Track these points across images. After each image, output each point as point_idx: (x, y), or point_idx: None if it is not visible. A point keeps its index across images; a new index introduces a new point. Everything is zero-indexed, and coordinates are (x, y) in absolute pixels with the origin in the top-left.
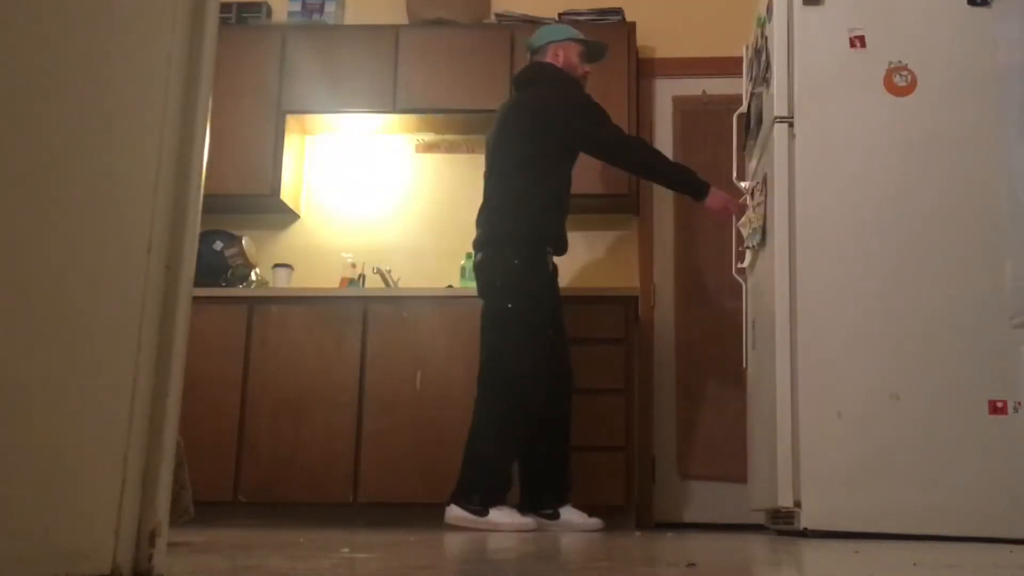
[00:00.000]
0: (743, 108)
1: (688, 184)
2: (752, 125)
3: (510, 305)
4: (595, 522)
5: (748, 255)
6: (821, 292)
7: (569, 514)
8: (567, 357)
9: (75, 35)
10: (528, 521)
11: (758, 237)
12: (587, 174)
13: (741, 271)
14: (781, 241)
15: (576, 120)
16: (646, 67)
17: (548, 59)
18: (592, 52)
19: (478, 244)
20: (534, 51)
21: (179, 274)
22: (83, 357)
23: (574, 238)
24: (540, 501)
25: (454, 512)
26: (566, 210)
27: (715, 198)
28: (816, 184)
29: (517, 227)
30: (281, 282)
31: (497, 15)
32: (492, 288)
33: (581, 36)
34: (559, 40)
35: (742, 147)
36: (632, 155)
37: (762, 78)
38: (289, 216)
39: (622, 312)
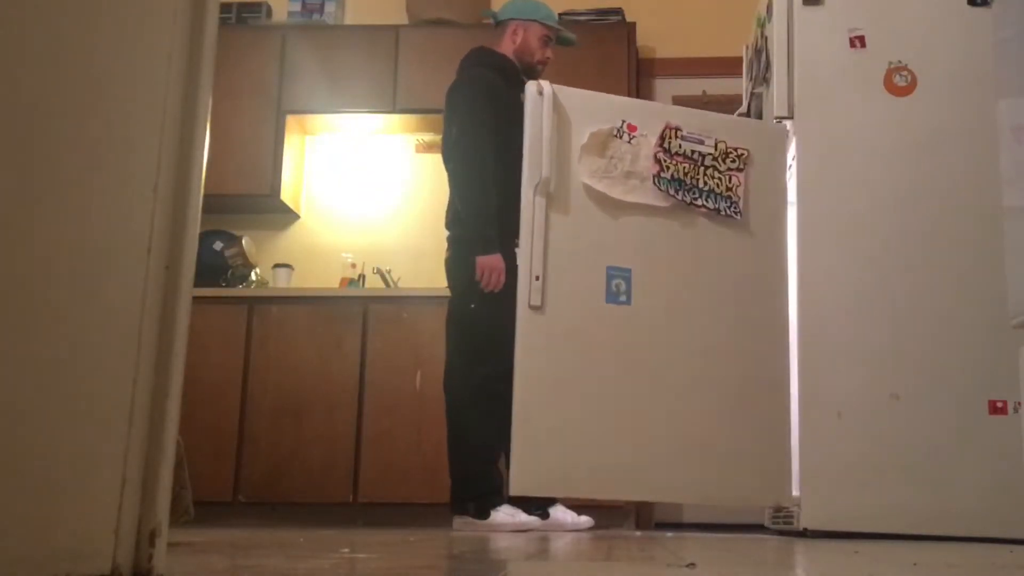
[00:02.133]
0: (743, 108)
1: (479, 239)
2: None
3: (473, 305)
4: (585, 520)
5: (649, 194)
6: (821, 292)
7: (558, 513)
8: None
9: (74, 35)
10: (530, 520)
11: (725, 204)
12: None
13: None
14: (780, 240)
15: (452, 125)
16: (646, 67)
17: (506, 37)
18: (559, 38)
19: (448, 243)
20: (496, 24)
21: (179, 274)
22: (83, 357)
23: None
24: (528, 502)
25: (457, 522)
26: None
27: (489, 260)
28: (816, 184)
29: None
30: (281, 282)
31: None
32: (454, 287)
33: (549, 19)
34: (522, 18)
35: None
36: (459, 187)
37: (762, 78)
38: (289, 216)
39: None
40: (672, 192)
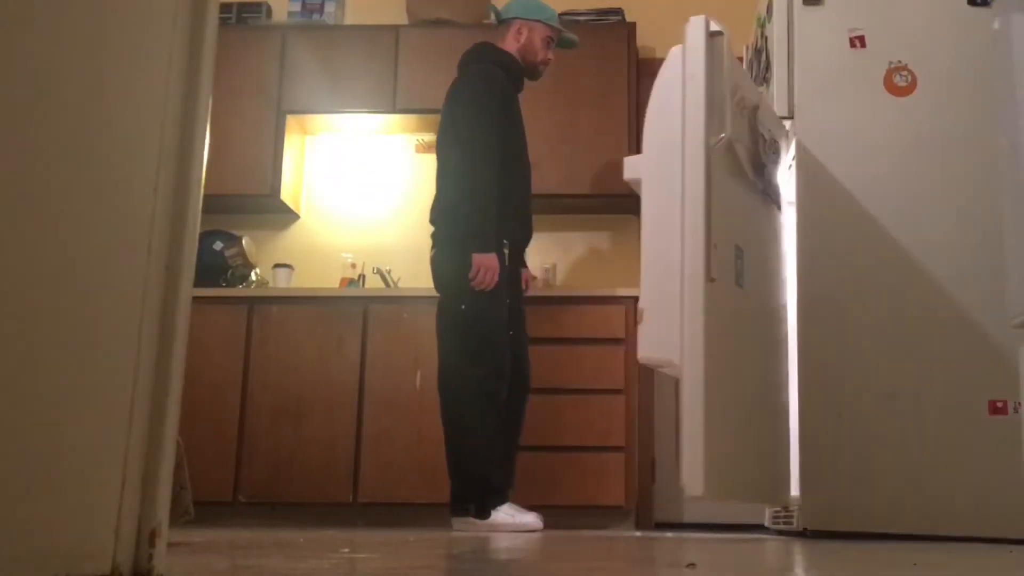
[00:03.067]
0: None
1: (477, 236)
2: None
3: (464, 306)
4: (532, 519)
5: (750, 171)
6: (821, 291)
7: (499, 515)
8: (525, 356)
9: (75, 35)
10: (530, 520)
11: (776, 194)
12: (586, 173)
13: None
14: (778, 239)
15: (458, 118)
16: (646, 67)
17: (510, 35)
18: (560, 40)
19: (433, 240)
20: (500, 21)
21: (179, 274)
22: (83, 357)
23: (574, 239)
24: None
25: (457, 523)
26: (516, 202)
27: (486, 258)
28: (816, 184)
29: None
30: (281, 282)
31: None
32: (445, 287)
33: (553, 20)
34: (527, 18)
35: None
36: (461, 180)
37: (762, 78)
38: (289, 216)
39: (622, 312)
40: (759, 173)
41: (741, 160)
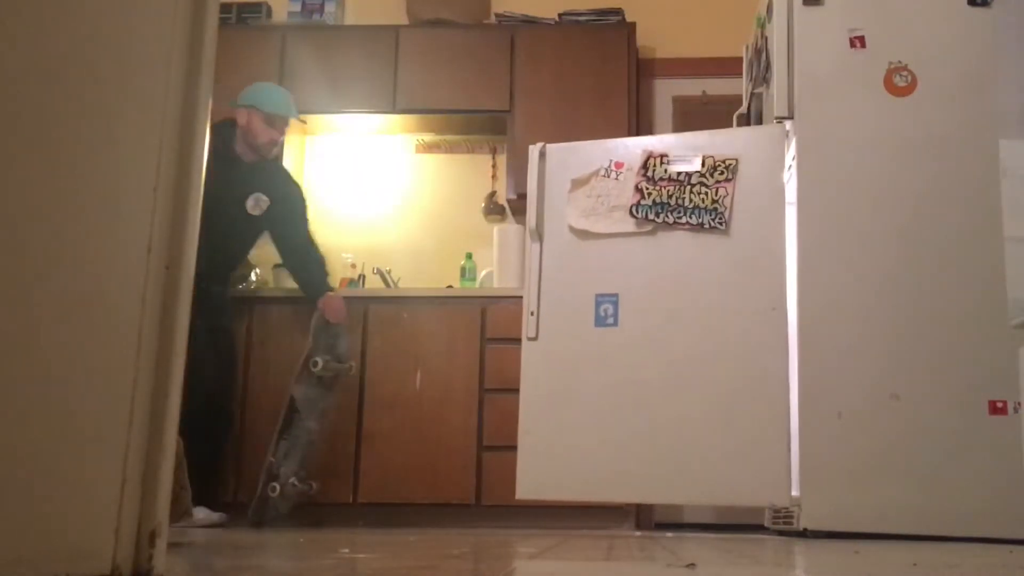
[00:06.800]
0: (743, 108)
1: None
2: (752, 125)
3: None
4: (218, 516)
5: (629, 223)
6: (821, 292)
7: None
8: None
9: (75, 35)
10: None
11: (709, 217)
12: None
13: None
14: (780, 241)
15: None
16: (646, 67)
17: (238, 117)
18: (274, 119)
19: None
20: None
21: (179, 274)
22: (83, 357)
23: None
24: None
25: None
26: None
27: None
28: (816, 184)
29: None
30: (281, 282)
31: (497, 15)
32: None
33: (267, 106)
34: (244, 104)
35: None
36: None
37: (762, 78)
38: None
39: None
40: (652, 216)
41: (590, 228)
